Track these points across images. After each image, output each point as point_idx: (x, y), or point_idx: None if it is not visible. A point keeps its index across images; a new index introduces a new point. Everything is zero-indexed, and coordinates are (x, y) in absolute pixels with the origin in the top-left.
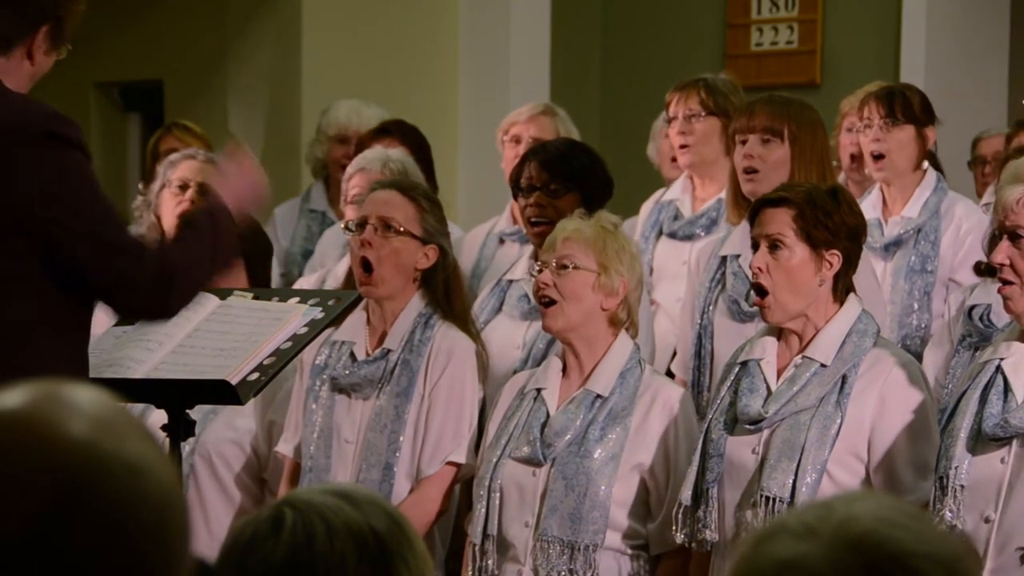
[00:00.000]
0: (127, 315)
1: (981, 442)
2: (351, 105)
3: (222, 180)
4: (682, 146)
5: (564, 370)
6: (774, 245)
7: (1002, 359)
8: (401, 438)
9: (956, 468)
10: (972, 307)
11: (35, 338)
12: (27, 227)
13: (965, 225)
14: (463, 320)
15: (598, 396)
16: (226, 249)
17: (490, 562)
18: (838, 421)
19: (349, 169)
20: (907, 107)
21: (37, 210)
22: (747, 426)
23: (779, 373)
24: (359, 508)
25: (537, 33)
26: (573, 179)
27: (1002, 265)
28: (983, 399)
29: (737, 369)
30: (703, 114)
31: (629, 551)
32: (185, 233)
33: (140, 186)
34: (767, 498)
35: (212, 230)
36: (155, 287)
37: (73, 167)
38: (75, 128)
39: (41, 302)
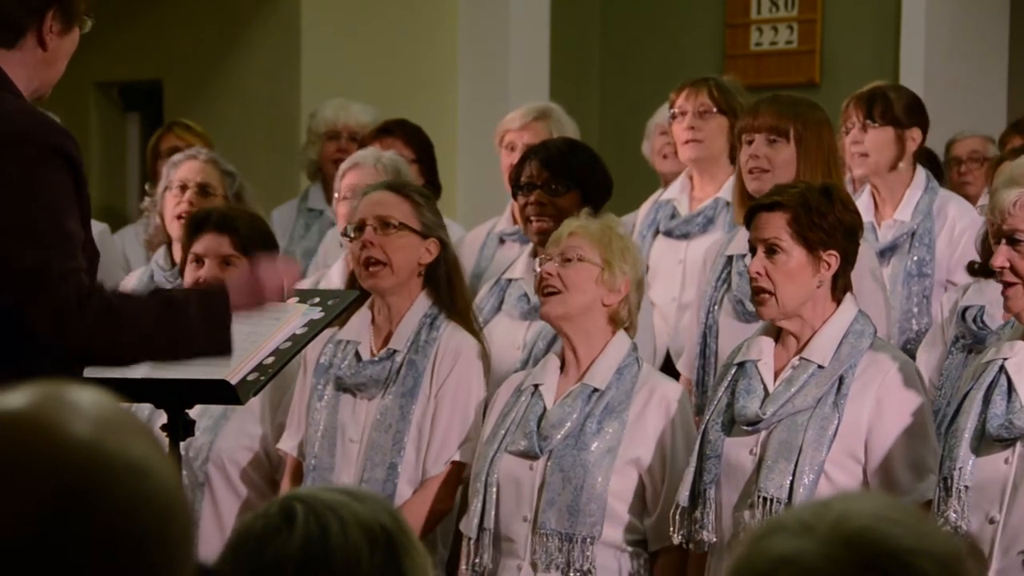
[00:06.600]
0: (29, 334)
1: (985, 443)
2: (337, 103)
3: (246, 275)
4: (689, 141)
5: (562, 367)
6: (771, 250)
7: (1006, 359)
8: (405, 438)
9: (960, 469)
10: (965, 309)
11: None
12: None
13: (959, 225)
14: (466, 317)
15: (595, 390)
16: (188, 341)
17: (486, 556)
18: (835, 422)
19: (343, 166)
20: (887, 109)
21: None
22: (744, 427)
23: (776, 374)
24: (365, 504)
25: (537, 33)
26: (573, 177)
27: (1002, 268)
28: (987, 399)
29: (734, 370)
30: (714, 110)
31: (627, 547)
32: (160, 300)
33: (147, 187)
34: (764, 499)
35: (186, 317)
36: (63, 313)
37: (42, 188)
38: (72, 142)
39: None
